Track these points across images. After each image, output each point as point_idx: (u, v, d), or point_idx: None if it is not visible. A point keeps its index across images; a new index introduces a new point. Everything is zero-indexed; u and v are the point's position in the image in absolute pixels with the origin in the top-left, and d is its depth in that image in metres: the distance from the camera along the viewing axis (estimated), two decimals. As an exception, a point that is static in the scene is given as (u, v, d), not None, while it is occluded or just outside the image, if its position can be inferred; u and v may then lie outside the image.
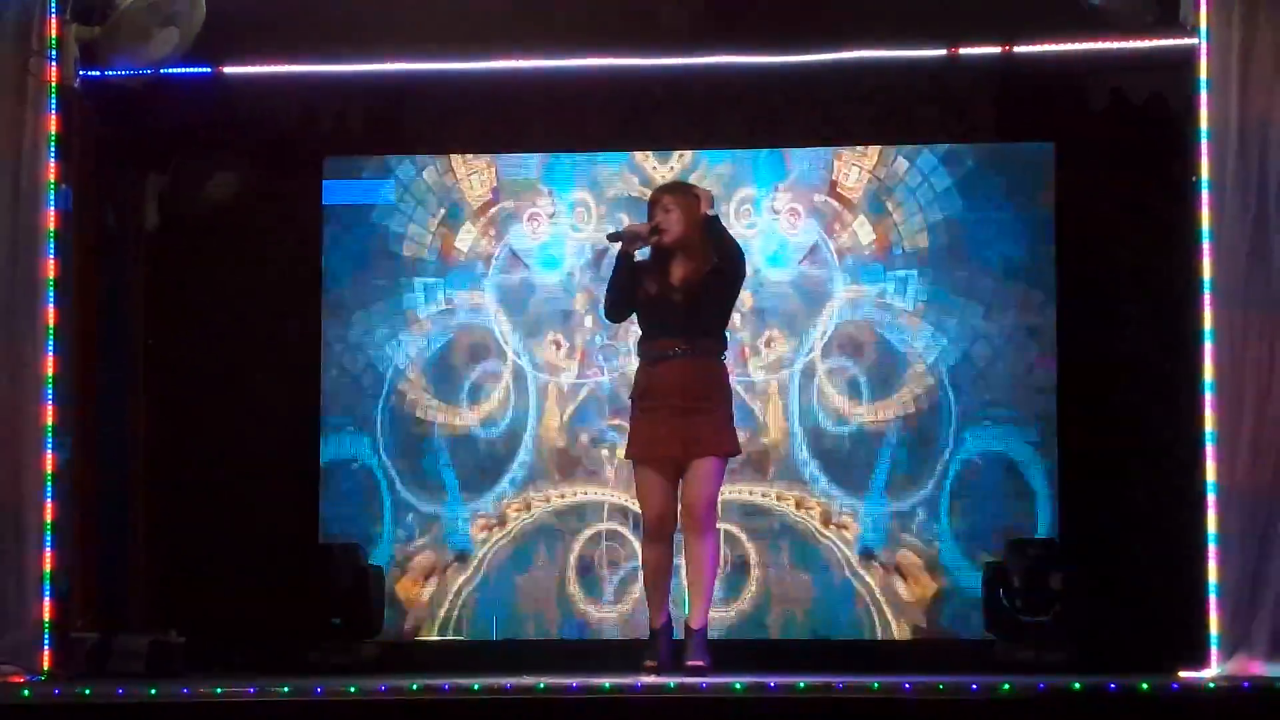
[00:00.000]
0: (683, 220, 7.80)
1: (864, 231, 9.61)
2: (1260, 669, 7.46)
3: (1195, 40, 7.86)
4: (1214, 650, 7.54)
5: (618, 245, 7.86)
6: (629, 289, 7.83)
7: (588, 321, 9.61)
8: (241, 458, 9.70)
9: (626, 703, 6.80)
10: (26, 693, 7.29)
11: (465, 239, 9.80)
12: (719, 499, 7.86)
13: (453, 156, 9.85)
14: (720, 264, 7.77)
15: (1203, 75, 7.81)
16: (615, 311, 7.98)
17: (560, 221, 9.74)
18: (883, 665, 9.04)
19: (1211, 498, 7.66)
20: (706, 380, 7.74)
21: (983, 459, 9.45)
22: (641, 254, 7.88)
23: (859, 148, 9.64)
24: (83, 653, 8.29)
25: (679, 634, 7.85)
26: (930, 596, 9.43)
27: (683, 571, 7.91)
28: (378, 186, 9.86)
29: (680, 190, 8.03)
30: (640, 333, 7.92)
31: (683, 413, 7.69)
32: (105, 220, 9.27)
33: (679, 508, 7.77)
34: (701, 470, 7.69)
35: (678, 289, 7.76)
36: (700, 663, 7.62)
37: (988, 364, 9.48)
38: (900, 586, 9.44)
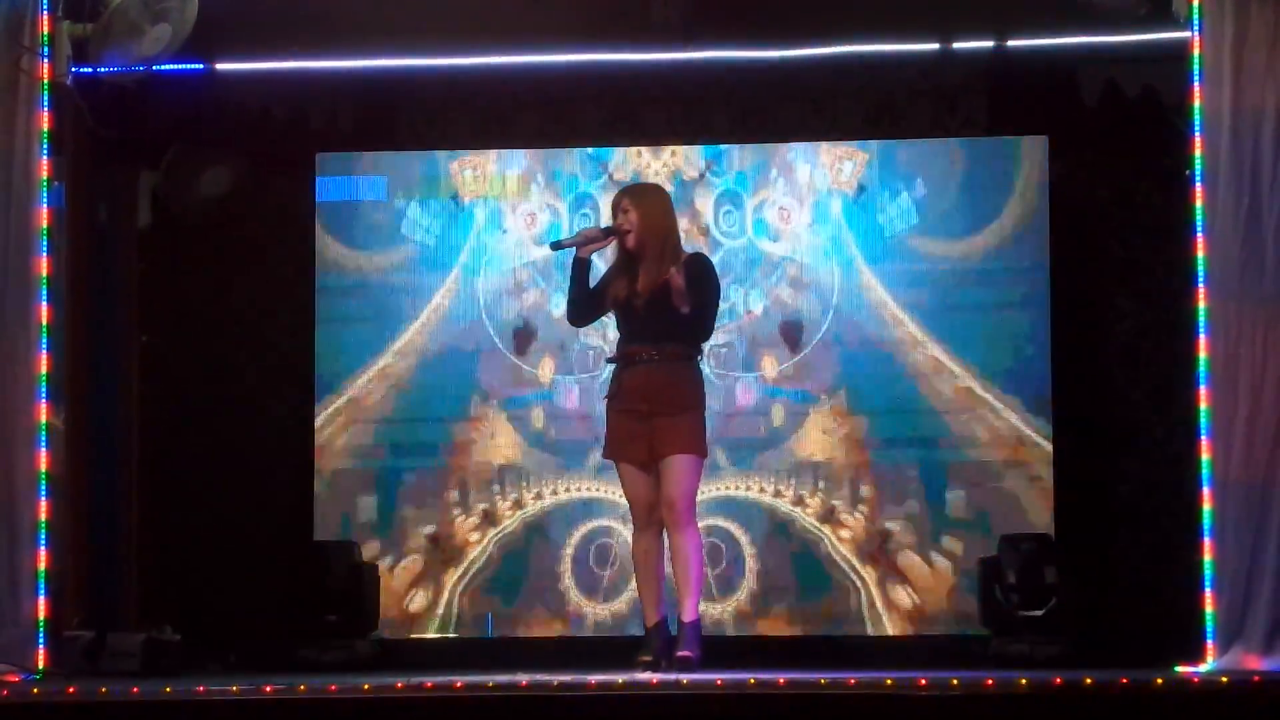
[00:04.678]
0: (642, 222, 7.81)
1: (858, 226, 9.60)
2: (1256, 662, 7.47)
3: (1188, 32, 7.86)
4: (1210, 644, 7.55)
5: (570, 248, 7.89)
6: (585, 292, 7.90)
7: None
8: (236, 454, 9.70)
9: (622, 699, 6.80)
10: (21, 691, 7.28)
11: (458, 234, 9.79)
12: (697, 494, 7.87)
13: (445, 152, 9.84)
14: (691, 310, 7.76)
15: (1196, 67, 7.82)
16: (574, 315, 8.05)
17: (553, 216, 9.73)
18: (877, 661, 9.03)
19: (1206, 491, 7.66)
20: (674, 386, 7.77)
21: (977, 452, 9.44)
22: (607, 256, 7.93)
23: (851, 142, 9.63)
24: (77, 651, 8.28)
25: (674, 630, 7.85)
26: (925, 592, 9.43)
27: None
28: (370, 182, 9.85)
29: (640, 192, 8.06)
30: (617, 335, 7.96)
31: (649, 416, 7.74)
32: (98, 217, 9.26)
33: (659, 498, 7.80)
34: (674, 467, 7.73)
35: (641, 295, 7.78)
36: (689, 654, 7.64)
37: (981, 357, 9.47)
38: (895, 581, 9.43)
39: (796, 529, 9.51)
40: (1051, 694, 6.72)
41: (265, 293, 9.85)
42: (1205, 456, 7.65)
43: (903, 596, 9.42)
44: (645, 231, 7.82)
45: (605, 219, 8.43)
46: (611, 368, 7.97)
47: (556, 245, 8.05)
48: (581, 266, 7.89)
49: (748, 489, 9.54)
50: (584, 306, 7.97)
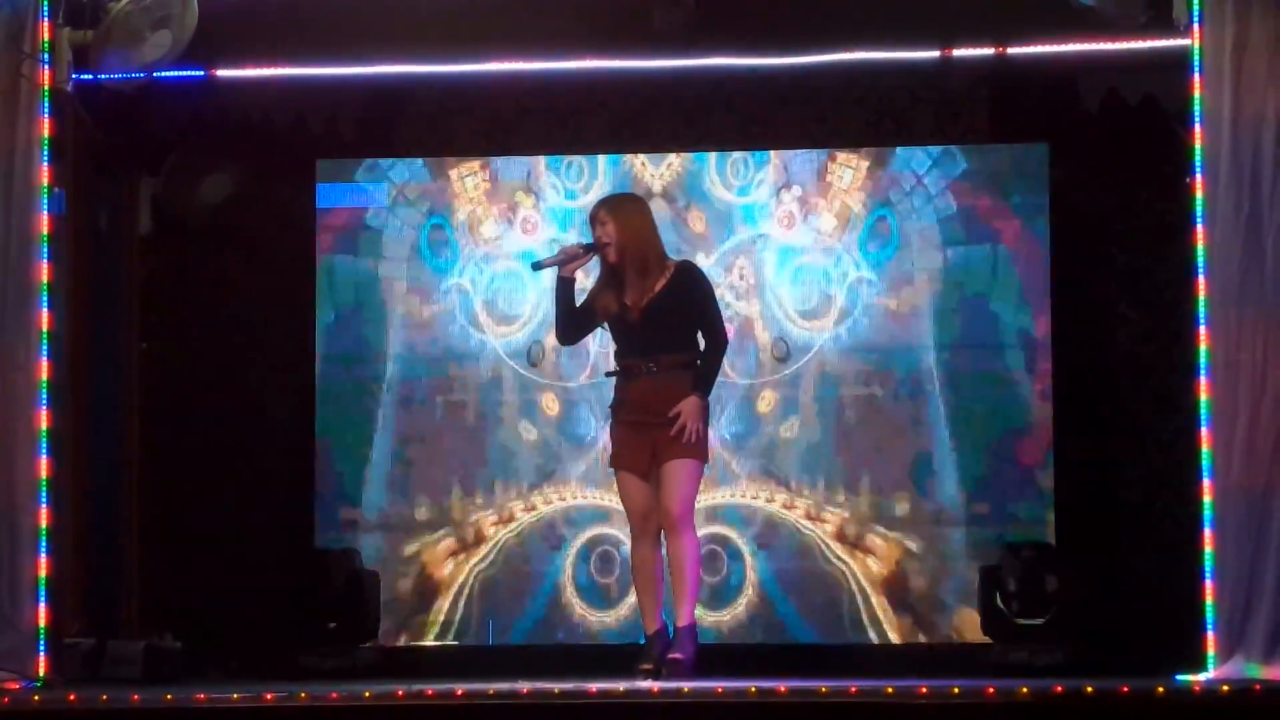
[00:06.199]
0: (621, 233, 7.79)
1: (859, 233, 9.60)
2: (1257, 671, 7.46)
3: (1188, 40, 7.86)
4: (1210, 652, 7.54)
5: (554, 270, 7.88)
6: (572, 311, 7.90)
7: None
8: (236, 461, 9.70)
9: (622, 707, 6.81)
10: (21, 699, 7.28)
11: (458, 241, 9.78)
12: (696, 500, 7.88)
13: (446, 159, 9.84)
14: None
15: (1196, 75, 7.81)
16: (562, 335, 8.06)
17: (554, 223, 9.73)
18: (879, 669, 9.03)
19: (1207, 499, 7.65)
20: (676, 397, 7.75)
21: (977, 460, 9.43)
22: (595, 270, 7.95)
23: (853, 150, 9.63)
24: (78, 658, 8.28)
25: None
26: (925, 599, 9.42)
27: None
28: (371, 189, 9.85)
29: (615, 203, 8.03)
30: (615, 347, 7.96)
31: (654, 428, 7.74)
32: (98, 224, 9.26)
33: (657, 506, 7.79)
34: (674, 472, 7.73)
35: (632, 310, 7.79)
36: (679, 655, 7.65)
37: (983, 365, 9.46)
38: (896, 589, 9.43)
39: (795, 535, 9.50)
40: (1052, 702, 6.71)
41: (266, 299, 9.84)
42: (1206, 465, 7.64)
43: (901, 603, 9.42)
44: (625, 243, 7.81)
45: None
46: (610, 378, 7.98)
47: (538, 266, 8.06)
48: (566, 286, 7.88)
49: (748, 496, 9.54)
50: (572, 325, 7.97)
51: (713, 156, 9.68)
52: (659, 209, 9.28)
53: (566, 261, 7.88)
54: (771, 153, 9.65)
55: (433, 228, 9.80)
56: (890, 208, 9.58)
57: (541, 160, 9.78)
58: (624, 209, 7.93)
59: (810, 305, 9.60)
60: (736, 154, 9.67)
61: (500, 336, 9.72)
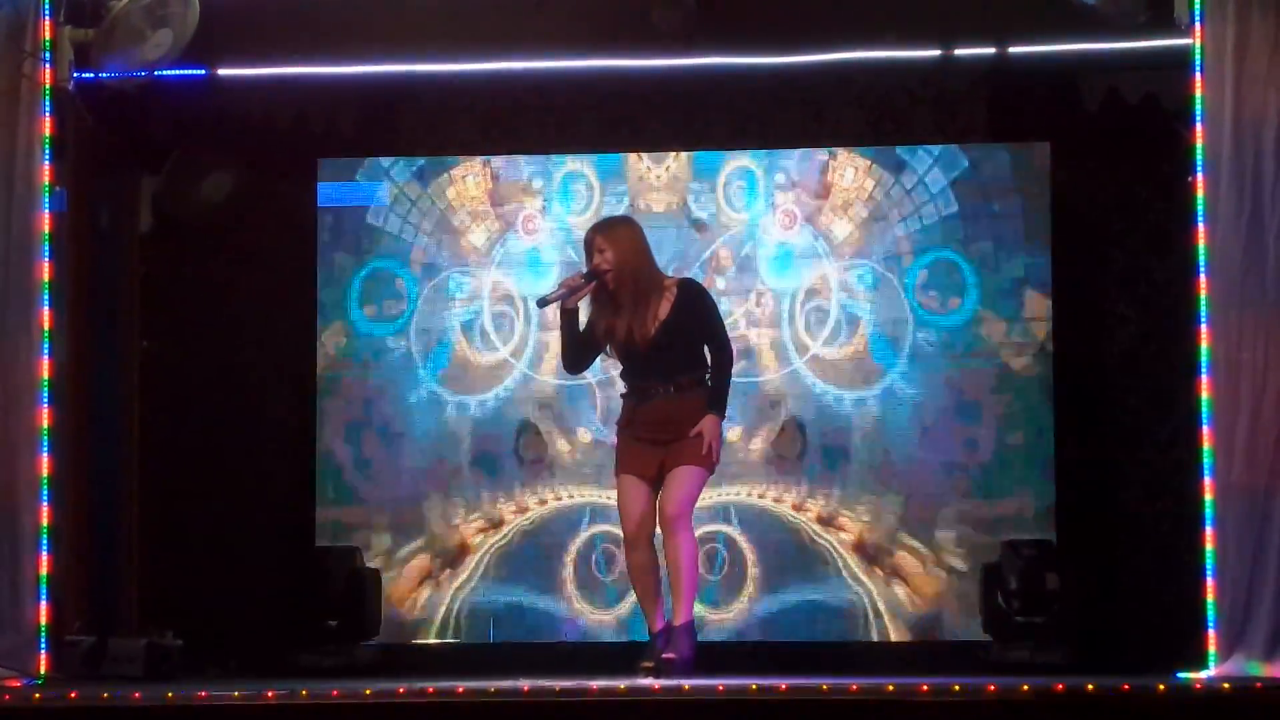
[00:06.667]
0: (619, 259, 7.78)
1: (859, 233, 9.60)
2: (1257, 669, 7.47)
3: (1189, 40, 7.87)
4: (1211, 650, 7.55)
5: (557, 302, 7.85)
6: (577, 340, 7.88)
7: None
8: (237, 459, 9.70)
9: (623, 705, 6.80)
10: (23, 696, 7.28)
11: (458, 241, 9.79)
12: (695, 502, 7.86)
13: (446, 158, 9.84)
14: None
15: (1197, 75, 7.82)
16: (570, 363, 8.01)
17: (554, 224, 9.74)
18: (879, 667, 9.04)
19: (1208, 498, 7.66)
20: (691, 414, 7.74)
21: (978, 459, 9.44)
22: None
23: (853, 149, 9.63)
24: (78, 656, 8.27)
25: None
26: (927, 597, 9.43)
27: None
28: (372, 188, 9.85)
29: (610, 227, 7.98)
30: (621, 367, 7.94)
31: (669, 442, 7.74)
32: (99, 222, 9.25)
33: (656, 512, 7.79)
34: (679, 476, 7.73)
35: (641, 335, 7.76)
36: (672, 655, 7.63)
37: (983, 363, 9.47)
38: (896, 588, 9.43)
39: (794, 532, 9.51)
40: (1053, 700, 6.71)
41: (266, 298, 9.84)
42: (1206, 464, 7.66)
43: (901, 601, 9.42)
44: (623, 268, 7.78)
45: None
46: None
47: (543, 302, 7.99)
48: (570, 317, 7.85)
49: (747, 494, 9.55)
50: (578, 355, 7.93)
51: (722, 174, 9.68)
52: (671, 228, 9.40)
53: (570, 293, 7.84)
54: (776, 159, 9.66)
55: (432, 226, 9.79)
56: (890, 207, 9.57)
57: (542, 159, 9.77)
58: (619, 233, 7.88)
59: (803, 305, 9.60)
60: (741, 168, 9.67)
61: (502, 332, 9.72)
